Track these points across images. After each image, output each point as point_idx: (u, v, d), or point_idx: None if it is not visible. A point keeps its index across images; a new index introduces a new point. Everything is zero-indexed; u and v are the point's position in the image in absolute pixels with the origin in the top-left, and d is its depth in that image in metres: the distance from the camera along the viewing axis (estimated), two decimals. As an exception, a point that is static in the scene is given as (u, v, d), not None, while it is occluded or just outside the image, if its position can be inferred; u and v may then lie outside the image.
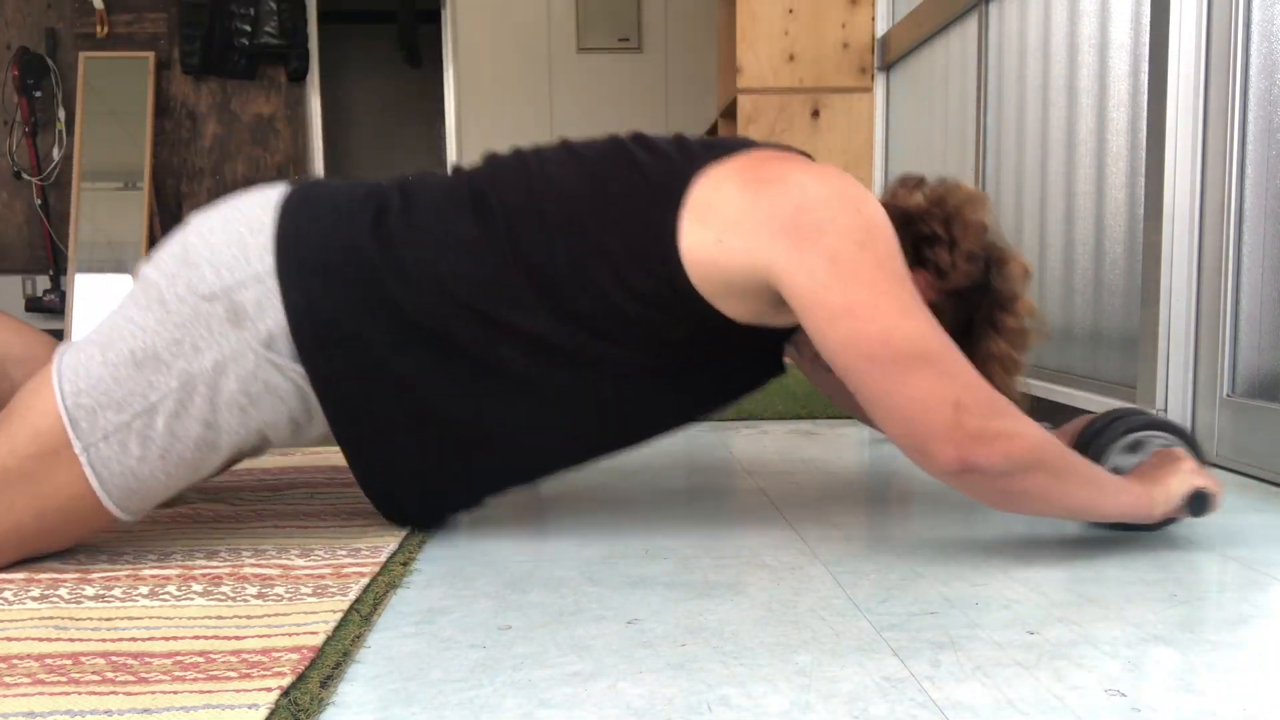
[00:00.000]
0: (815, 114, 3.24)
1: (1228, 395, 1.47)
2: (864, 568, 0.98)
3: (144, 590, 0.91)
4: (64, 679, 0.70)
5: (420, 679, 0.72)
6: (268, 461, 1.56)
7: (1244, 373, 1.47)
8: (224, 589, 0.91)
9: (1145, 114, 1.64)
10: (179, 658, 0.74)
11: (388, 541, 1.06)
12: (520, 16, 4.96)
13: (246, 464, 1.53)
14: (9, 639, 0.78)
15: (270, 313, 0.97)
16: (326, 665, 0.73)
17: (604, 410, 1.06)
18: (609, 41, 5.01)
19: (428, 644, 0.79)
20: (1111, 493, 0.99)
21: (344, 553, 1.02)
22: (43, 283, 4.52)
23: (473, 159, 1.08)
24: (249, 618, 0.83)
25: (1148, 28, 1.63)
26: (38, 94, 4.43)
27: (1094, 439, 1.09)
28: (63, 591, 0.90)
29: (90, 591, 0.90)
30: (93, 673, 0.71)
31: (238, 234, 0.99)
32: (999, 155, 2.36)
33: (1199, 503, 1.01)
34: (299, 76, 4.56)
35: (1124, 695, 0.68)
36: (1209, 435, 1.50)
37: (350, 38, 6.30)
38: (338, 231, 1.00)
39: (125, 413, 0.95)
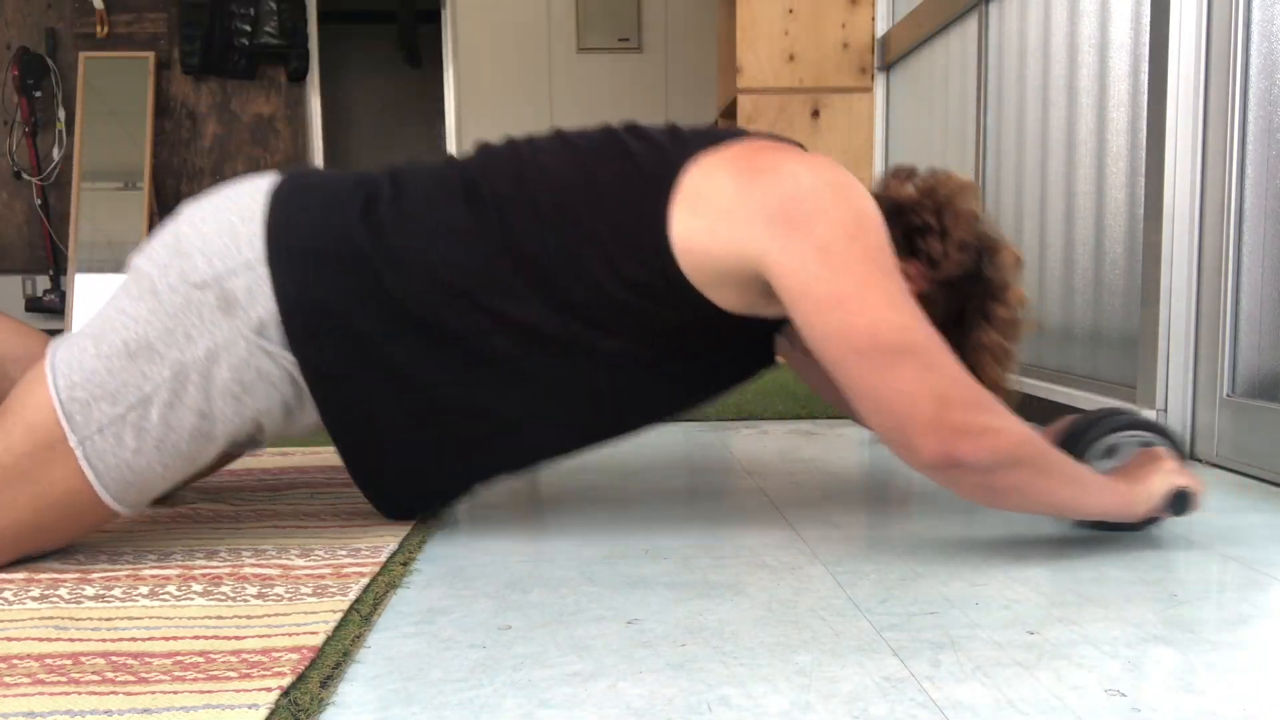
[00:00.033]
0: (815, 114, 3.24)
1: (1228, 395, 1.47)
2: (864, 568, 0.98)
3: (144, 590, 0.91)
4: (64, 679, 0.70)
5: (420, 679, 0.72)
6: (268, 461, 1.56)
7: (1244, 373, 1.47)
8: (224, 589, 0.91)
9: (1145, 114, 1.64)
10: (179, 658, 0.74)
11: (388, 541, 1.06)
12: (520, 16, 4.96)
13: (246, 464, 1.53)
14: (9, 639, 0.78)
15: (261, 300, 0.97)
16: (326, 665, 0.73)
17: (596, 400, 1.06)
18: (609, 41, 5.01)
19: (428, 644, 0.79)
20: (1094, 491, 0.99)
21: (344, 553, 1.02)
22: (43, 283, 4.53)
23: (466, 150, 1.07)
24: (249, 618, 0.83)
25: (1148, 28, 1.63)
26: (38, 94, 4.44)
27: (1079, 437, 1.10)
28: (63, 591, 0.90)
29: (90, 591, 0.90)
30: (93, 673, 0.71)
31: (229, 222, 1.00)
32: (999, 155, 2.36)
33: (1180, 502, 1.01)
34: (299, 76, 4.56)
35: (1124, 695, 0.68)
36: (1209, 435, 1.50)
37: (350, 38, 6.30)
38: (328, 219, 1.00)
39: (120, 404, 0.95)
